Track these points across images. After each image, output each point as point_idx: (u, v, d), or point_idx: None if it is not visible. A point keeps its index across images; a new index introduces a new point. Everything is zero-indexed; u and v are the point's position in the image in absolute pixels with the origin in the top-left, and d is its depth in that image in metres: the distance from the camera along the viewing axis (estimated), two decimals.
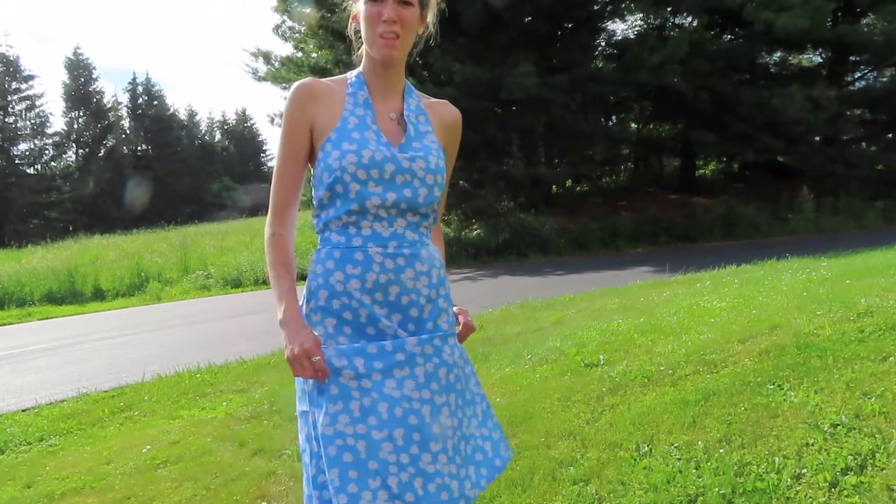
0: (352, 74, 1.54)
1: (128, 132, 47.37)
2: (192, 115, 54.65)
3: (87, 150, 42.86)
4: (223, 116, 62.23)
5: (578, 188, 22.98)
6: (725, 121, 17.17)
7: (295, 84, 1.47)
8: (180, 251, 16.46)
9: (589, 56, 18.88)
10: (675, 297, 6.42)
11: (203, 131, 56.28)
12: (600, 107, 19.78)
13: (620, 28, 22.89)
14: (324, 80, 1.52)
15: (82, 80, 43.04)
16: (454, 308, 1.58)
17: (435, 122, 1.56)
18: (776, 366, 3.64)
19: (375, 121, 1.46)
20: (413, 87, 1.58)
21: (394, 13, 1.40)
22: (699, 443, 2.91)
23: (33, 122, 40.70)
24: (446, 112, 1.60)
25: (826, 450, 2.66)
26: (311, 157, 1.48)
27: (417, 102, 1.55)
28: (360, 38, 1.49)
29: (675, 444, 2.94)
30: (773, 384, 3.41)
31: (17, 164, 40.40)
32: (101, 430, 4.51)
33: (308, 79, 1.48)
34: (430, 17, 1.54)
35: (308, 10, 16.27)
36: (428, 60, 15.24)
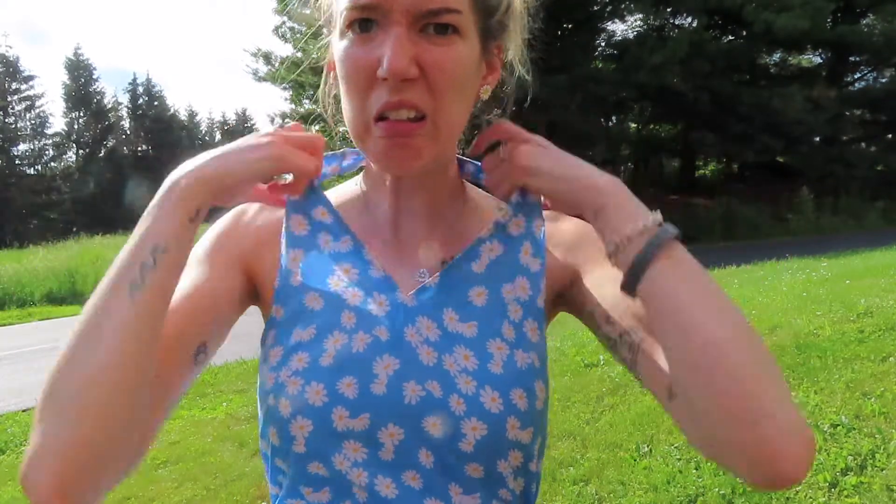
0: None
1: (128, 133, 47.39)
2: (192, 115, 54.73)
3: (87, 150, 42.87)
4: (223, 117, 62.22)
5: None
6: (725, 121, 17.17)
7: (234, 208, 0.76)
8: None
9: (589, 56, 18.88)
10: None
11: (203, 132, 56.33)
12: (600, 107, 19.77)
13: (620, 28, 22.92)
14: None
15: (82, 80, 43.03)
16: None
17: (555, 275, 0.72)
18: None
19: (359, 244, 0.72)
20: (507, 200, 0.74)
21: (402, 59, 0.59)
22: None
23: (33, 122, 40.68)
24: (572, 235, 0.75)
25: (826, 450, 2.66)
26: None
27: (510, 243, 0.72)
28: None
29: (675, 445, 2.94)
30: None
31: (17, 164, 40.40)
32: None
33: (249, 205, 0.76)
34: (513, 49, 0.75)
35: (308, 11, 16.27)
36: None
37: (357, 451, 0.62)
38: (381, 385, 0.62)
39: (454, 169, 0.75)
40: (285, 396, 0.63)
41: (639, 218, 0.61)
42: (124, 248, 0.59)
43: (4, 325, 11.08)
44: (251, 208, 0.75)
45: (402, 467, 0.63)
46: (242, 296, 0.71)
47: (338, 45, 0.65)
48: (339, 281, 0.68)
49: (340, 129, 0.73)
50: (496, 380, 0.63)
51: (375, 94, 0.62)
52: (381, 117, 0.62)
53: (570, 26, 18.29)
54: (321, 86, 0.80)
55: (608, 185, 0.63)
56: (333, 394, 0.62)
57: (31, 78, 40.37)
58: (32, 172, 40.95)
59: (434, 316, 0.66)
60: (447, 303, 0.67)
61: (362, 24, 0.62)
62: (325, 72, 0.76)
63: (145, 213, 0.60)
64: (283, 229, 0.72)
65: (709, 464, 2.71)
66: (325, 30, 0.73)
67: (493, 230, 0.71)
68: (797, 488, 2.46)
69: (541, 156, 0.67)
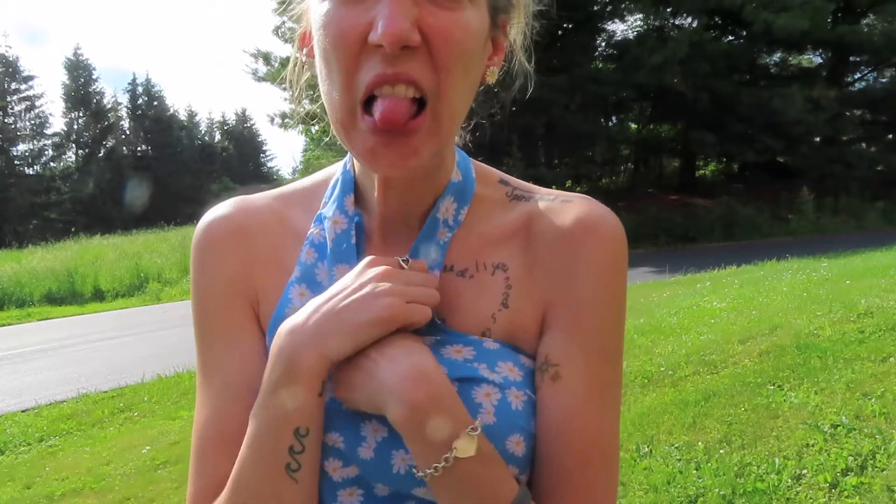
0: (331, 177, 0.70)
1: (128, 133, 47.37)
2: (191, 115, 54.69)
3: (86, 150, 42.86)
4: (223, 117, 62.31)
5: (578, 189, 22.98)
6: (725, 121, 17.17)
7: (204, 221, 0.70)
8: (180, 251, 16.44)
9: (589, 57, 18.88)
10: (676, 298, 6.42)
11: (203, 132, 56.32)
12: (600, 107, 19.77)
13: (620, 29, 22.92)
14: (266, 197, 0.71)
15: (82, 80, 43.03)
16: None
17: (526, 268, 0.63)
18: (776, 366, 3.64)
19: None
20: (455, 205, 0.65)
21: (403, 20, 0.50)
22: (699, 443, 2.91)
23: (33, 122, 40.69)
24: (561, 228, 0.63)
25: (826, 450, 2.66)
26: None
27: (436, 262, 0.64)
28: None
29: (676, 445, 2.94)
30: (774, 385, 3.41)
31: (17, 164, 40.40)
32: (101, 430, 4.51)
33: (227, 207, 0.69)
34: (516, 29, 0.67)
35: None
36: None
37: (353, 495, 0.60)
38: (369, 450, 0.58)
39: (452, 163, 0.65)
40: None
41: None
42: (256, 425, 0.57)
43: (4, 325, 11.08)
44: (243, 224, 0.68)
45: (400, 499, 0.60)
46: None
47: (318, 7, 0.55)
48: None
49: (318, 125, 0.66)
50: (488, 432, 0.56)
51: (366, 67, 0.52)
52: (369, 100, 0.53)
53: (570, 26, 18.29)
54: (289, 65, 0.68)
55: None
56: (324, 447, 0.59)
57: (30, 78, 40.39)
58: (32, 172, 40.94)
59: None
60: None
61: None
62: (295, 47, 0.65)
63: (267, 385, 0.57)
64: (300, 257, 0.66)
65: (709, 464, 2.70)
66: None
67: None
68: (797, 488, 2.45)
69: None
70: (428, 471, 0.53)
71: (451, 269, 0.63)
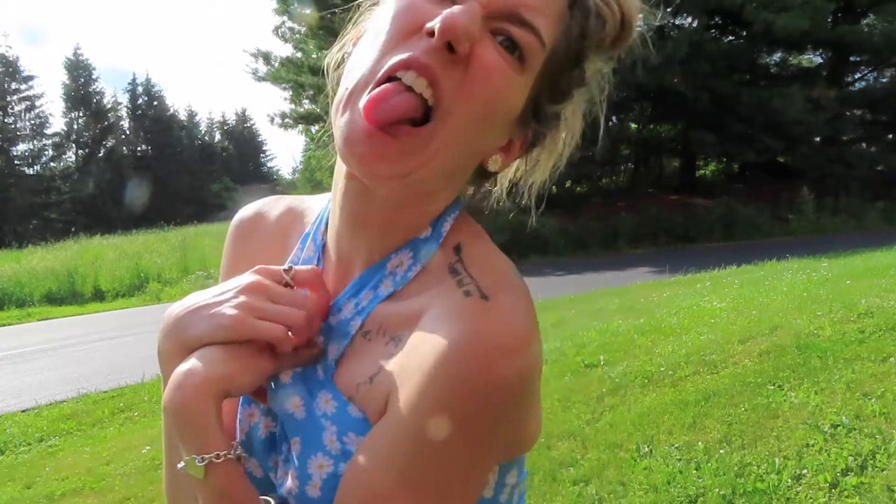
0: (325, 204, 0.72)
1: (128, 132, 47.38)
2: (191, 115, 54.69)
3: (86, 150, 42.87)
4: (223, 117, 62.28)
5: (578, 189, 22.97)
6: (725, 121, 17.16)
7: (235, 217, 0.78)
8: (180, 252, 16.46)
9: None
10: (676, 298, 6.42)
11: (203, 132, 56.33)
12: (600, 107, 19.76)
13: None
14: (289, 204, 0.76)
15: (82, 80, 43.04)
16: None
17: (400, 359, 0.56)
18: (776, 366, 3.64)
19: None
20: (412, 262, 0.61)
21: (469, 22, 0.50)
22: (699, 443, 2.91)
23: (33, 122, 40.71)
24: (444, 333, 0.52)
25: (826, 450, 2.66)
26: None
27: (364, 307, 0.61)
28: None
29: (676, 445, 2.94)
30: (774, 385, 3.41)
31: (17, 164, 40.42)
32: (101, 430, 4.51)
33: (252, 208, 0.77)
34: (566, 130, 0.65)
35: (308, 11, 16.30)
36: None
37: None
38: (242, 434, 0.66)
39: (427, 221, 0.61)
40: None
41: None
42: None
43: (4, 325, 11.08)
44: (259, 225, 0.75)
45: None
46: None
47: (393, 1, 0.55)
48: None
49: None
50: (310, 502, 0.56)
51: (405, 47, 0.51)
52: (388, 79, 0.51)
53: None
54: (339, 64, 0.65)
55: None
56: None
57: (30, 78, 40.42)
58: (32, 172, 40.96)
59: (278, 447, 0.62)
60: (309, 391, 0.60)
61: None
62: (350, 46, 0.63)
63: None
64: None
65: (709, 464, 2.71)
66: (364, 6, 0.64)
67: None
68: (797, 489, 2.45)
69: None
70: (178, 465, 0.54)
71: (361, 326, 0.60)
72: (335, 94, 0.57)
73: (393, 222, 0.60)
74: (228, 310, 0.56)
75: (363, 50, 0.55)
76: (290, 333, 0.57)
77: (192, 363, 0.55)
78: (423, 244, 0.61)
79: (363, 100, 0.51)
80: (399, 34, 0.52)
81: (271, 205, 0.76)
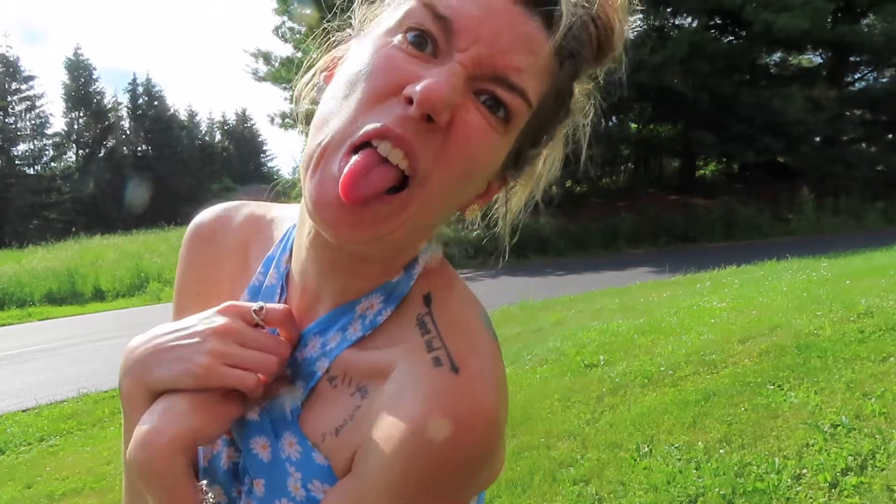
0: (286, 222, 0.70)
1: (128, 133, 47.40)
2: (192, 115, 54.67)
3: (87, 150, 42.88)
4: (223, 117, 62.25)
5: (578, 189, 22.97)
6: (725, 121, 17.17)
7: (192, 223, 0.73)
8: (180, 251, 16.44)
9: None
10: (675, 298, 6.42)
11: (203, 132, 56.32)
12: (600, 107, 19.77)
13: None
14: (251, 212, 0.73)
15: (82, 80, 43.04)
16: None
17: (369, 413, 0.55)
18: (776, 366, 3.64)
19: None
20: (382, 305, 0.60)
21: (451, 93, 0.48)
22: (699, 443, 2.92)
23: (33, 122, 40.71)
24: (411, 397, 0.52)
25: (826, 450, 2.66)
26: None
27: (332, 349, 0.59)
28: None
29: (676, 445, 2.94)
30: (774, 385, 3.42)
31: (17, 164, 40.42)
32: (102, 430, 4.51)
33: (214, 212, 0.73)
34: (543, 168, 0.64)
35: (308, 12, 16.31)
36: None
37: None
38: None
39: (400, 267, 0.59)
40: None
41: None
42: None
43: (4, 325, 11.08)
44: (218, 233, 0.71)
45: None
46: None
47: (370, 43, 0.53)
48: None
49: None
50: None
51: (382, 111, 0.48)
52: (360, 146, 0.48)
53: None
54: (300, 80, 0.63)
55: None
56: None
57: (31, 78, 40.41)
58: (32, 172, 40.96)
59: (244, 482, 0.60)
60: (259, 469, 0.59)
61: (420, 37, 0.50)
62: (320, 78, 0.60)
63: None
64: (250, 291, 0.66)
65: (709, 464, 2.71)
66: (352, 27, 0.60)
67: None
68: (797, 488, 2.46)
69: None
70: None
71: (328, 370, 0.58)
72: (306, 135, 0.54)
73: (363, 269, 0.58)
74: (198, 356, 0.54)
75: (336, 98, 0.51)
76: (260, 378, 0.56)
77: (157, 418, 0.53)
78: (395, 287, 0.59)
79: (336, 166, 0.49)
80: (376, 94, 0.49)
81: (233, 211, 0.72)
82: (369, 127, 0.48)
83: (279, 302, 0.63)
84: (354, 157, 0.48)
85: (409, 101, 0.47)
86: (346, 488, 0.53)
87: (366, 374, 0.56)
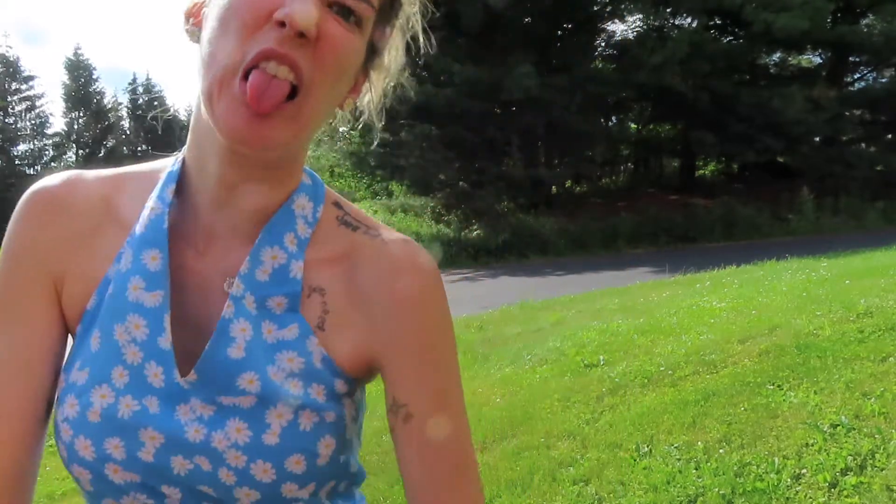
0: (164, 169, 0.68)
1: (128, 133, 47.40)
2: (192, 115, 54.71)
3: (87, 150, 42.88)
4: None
5: (578, 189, 22.98)
6: (725, 121, 17.17)
7: (29, 190, 0.69)
8: None
9: (589, 57, 18.89)
10: (675, 298, 6.42)
11: None
12: (600, 107, 19.78)
13: (620, 29, 22.92)
14: (103, 177, 0.69)
15: (82, 80, 43.03)
16: None
17: (346, 297, 0.65)
18: (776, 366, 3.64)
19: (166, 305, 0.61)
20: (311, 203, 0.67)
21: (314, 10, 0.55)
22: (699, 443, 2.92)
23: (33, 122, 40.69)
24: (385, 269, 0.65)
25: (826, 450, 2.67)
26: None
27: (293, 252, 0.64)
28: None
29: (675, 445, 2.94)
30: (773, 385, 3.42)
31: (18, 164, 40.42)
32: None
33: (58, 179, 0.69)
34: (390, 56, 0.70)
35: None
36: (427, 61, 15.26)
37: (141, 503, 0.61)
38: (149, 454, 0.60)
39: (300, 172, 0.67)
40: (60, 441, 0.61)
41: None
42: None
43: None
44: (66, 201, 0.66)
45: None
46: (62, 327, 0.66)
47: None
48: (126, 333, 0.61)
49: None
50: (269, 451, 0.60)
51: (260, 39, 0.55)
52: (250, 69, 0.55)
53: (570, 26, 18.30)
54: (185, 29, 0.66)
55: None
56: (101, 452, 0.59)
57: (31, 78, 40.36)
58: (33, 172, 40.93)
59: (207, 398, 0.60)
60: (221, 391, 0.60)
61: None
62: (184, 20, 0.65)
63: None
64: (129, 237, 0.64)
65: (709, 464, 2.71)
66: None
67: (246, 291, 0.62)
68: (797, 488, 2.46)
69: None
70: None
71: (303, 273, 0.65)
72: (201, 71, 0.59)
73: (276, 177, 0.64)
74: None
75: (215, 37, 0.57)
76: None
77: None
78: (315, 189, 0.68)
79: (237, 90, 0.55)
80: (250, 23, 0.55)
81: (80, 175, 0.69)
82: (255, 51, 0.55)
83: (171, 232, 0.63)
84: (251, 78, 0.54)
85: (282, 24, 0.54)
86: (415, 373, 0.64)
87: (311, 273, 0.64)
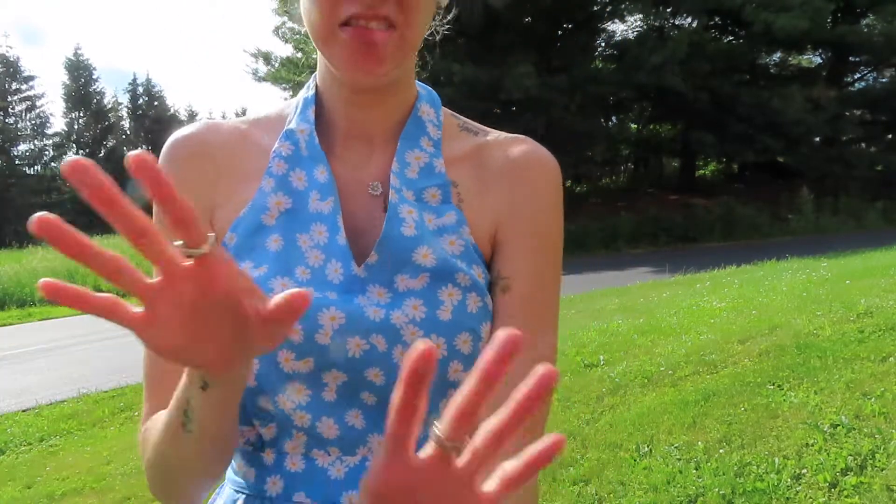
0: (294, 103, 0.76)
1: (128, 133, 47.40)
2: (192, 115, 54.68)
3: (87, 150, 42.86)
4: (223, 117, 62.27)
5: (578, 189, 22.98)
6: (725, 121, 17.18)
7: (170, 139, 0.73)
8: None
9: (588, 57, 18.89)
10: (675, 298, 6.42)
11: None
12: (600, 107, 19.78)
13: (620, 29, 22.93)
14: (234, 121, 0.75)
15: (82, 80, 43.02)
16: None
17: (476, 187, 0.72)
18: (776, 366, 3.64)
19: (338, 208, 0.68)
20: (433, 109, 0.75)
21: None
22: (699, 443, 2.92)
23: (33, 122, 40.69)
24: (509, 157, 0.73)
25: (826, 450, 2.67)
26: None
27: (432, 152, 0.72)
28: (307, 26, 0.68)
29: (675, 445, 2.94)
30: (773, 385, 3.42)
31: (18, 164, 40.41)
32: (102, 430, 4.52)
33: (194, 127, 0.74)
34: None
35: None
36: (425, 60, 15.26)
37: (301, 393, 0.63)
38: (326, 336, 0.63)
39: (414, 84, 0.75)
40: None
41: None
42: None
43: (4, 325, 11.08)
44: (206, 141, 0.72)
45: (346, 406, 0.64)
46: None
47: None
48: (309, 240, 0.67)
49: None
50: (443, 326, 0.64)
51: (348, 1, 0.62)
52: (347, 22, 0.62)
53: (570, 26, 18.29)
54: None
55: None
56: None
57: (31, 78, 40.37)
58: (32, 172, 40.93)
59: (385, 280, 0.66)
60: (398, 269, 0.66)
61: None
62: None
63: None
64: (269, 169, 0.70)
65: (709, 464, 2.71)
66: None
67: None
68: (797, 488, 2.46)
69: None
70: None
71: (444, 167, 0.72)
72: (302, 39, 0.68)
73: (398, 92, 0.72)
74: None
75: (312, 2, 0.64)
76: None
77: None
78: (430, 97, 0.76)
79: (344, 34, 0.62)
80: None
81: (212, 124, 0.75)
82: (350, 12, 0.61)
83: (314, 139, 0.71)
84: (356, 28, 0.62)
85: None
86: (524, 251, 0.70)
87: (464, 164, 0.73)
